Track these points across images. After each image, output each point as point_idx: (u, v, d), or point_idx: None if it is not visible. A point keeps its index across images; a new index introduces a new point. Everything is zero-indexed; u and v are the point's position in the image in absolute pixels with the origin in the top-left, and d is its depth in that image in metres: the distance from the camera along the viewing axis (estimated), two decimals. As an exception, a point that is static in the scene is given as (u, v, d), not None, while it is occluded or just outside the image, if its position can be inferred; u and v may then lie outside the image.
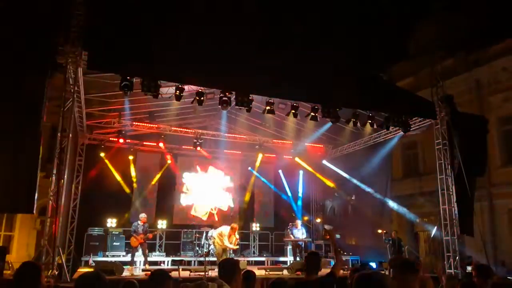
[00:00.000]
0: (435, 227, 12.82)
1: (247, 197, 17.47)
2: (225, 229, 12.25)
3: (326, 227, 4.54)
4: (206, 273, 9.79)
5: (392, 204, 14.78)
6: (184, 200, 16.51)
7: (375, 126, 12.00)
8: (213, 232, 13.29)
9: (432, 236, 13.65)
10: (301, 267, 10.70)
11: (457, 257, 10.92)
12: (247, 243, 16.32)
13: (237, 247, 12.79)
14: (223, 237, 11.95)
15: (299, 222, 14.49)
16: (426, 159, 16.47)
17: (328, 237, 5.20)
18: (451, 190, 11.30)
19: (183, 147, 15.95)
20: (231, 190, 17.36)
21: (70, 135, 8.73)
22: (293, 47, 11.00)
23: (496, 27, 16.35)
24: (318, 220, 18.02)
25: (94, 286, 2.93)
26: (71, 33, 8.30)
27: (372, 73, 12.67)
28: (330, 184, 16.88)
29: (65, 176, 8.61)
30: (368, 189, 14.97)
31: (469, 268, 10.85)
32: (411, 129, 12.10)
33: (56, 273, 7.76)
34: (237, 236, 12.39)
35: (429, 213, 15.66)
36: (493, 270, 6.80)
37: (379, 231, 13.87)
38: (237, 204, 17.31)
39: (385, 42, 20.64)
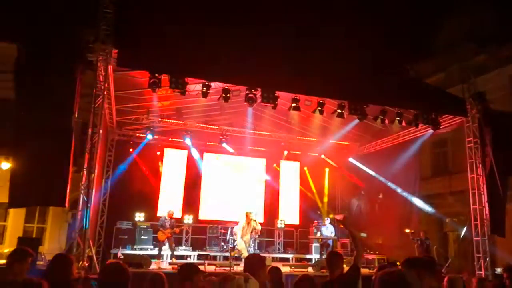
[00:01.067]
0: (465, 227, 12.52)
1: (272, 193, 17.47)
2: (241, 222, 12.37)
3: (337, 217, 4.38)
4: (231, 268, 9.89)
5: (420, 203, 14.48)
6: (209, 195, 16.68)
7: (403, 124, 11.78)
8: (237, 228, 13.40)
9: (461, 236, 13.33)
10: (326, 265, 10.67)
11: (487, 258, 10.65)
12: (272, 239, 16.35)
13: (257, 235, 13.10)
14: (242, 231, 12.14)
15: (327, 220, 14.40)
16: (456, 157, 16.04)
17: (342, 226, 5.12)
18: (482, 190, 11.00)
19: (208, 143, 16.11)
20: (256, 187, 17.42)
21: (101, 131, 8.97)
22: (319, 43, 10.91)
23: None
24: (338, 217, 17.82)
25: (117, 276, 3.08)
26: (101, 31, 8.52)
27: (400, 69, 12.46)
28: (357, 182, 16.68)
29: (96, 171, 8.85)
30: (396, 188, 14.72)
31: (498, 270, 10.55)
32: (441, 127, 11.82)
33: (87, 265, 7.98)
34: (256, 220, 12.42)
35: (459, 213, 15.26)
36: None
37: (407, 230, 13.63)
38: (262, 201, 17.34)
39: (414, 37, 20.22)
